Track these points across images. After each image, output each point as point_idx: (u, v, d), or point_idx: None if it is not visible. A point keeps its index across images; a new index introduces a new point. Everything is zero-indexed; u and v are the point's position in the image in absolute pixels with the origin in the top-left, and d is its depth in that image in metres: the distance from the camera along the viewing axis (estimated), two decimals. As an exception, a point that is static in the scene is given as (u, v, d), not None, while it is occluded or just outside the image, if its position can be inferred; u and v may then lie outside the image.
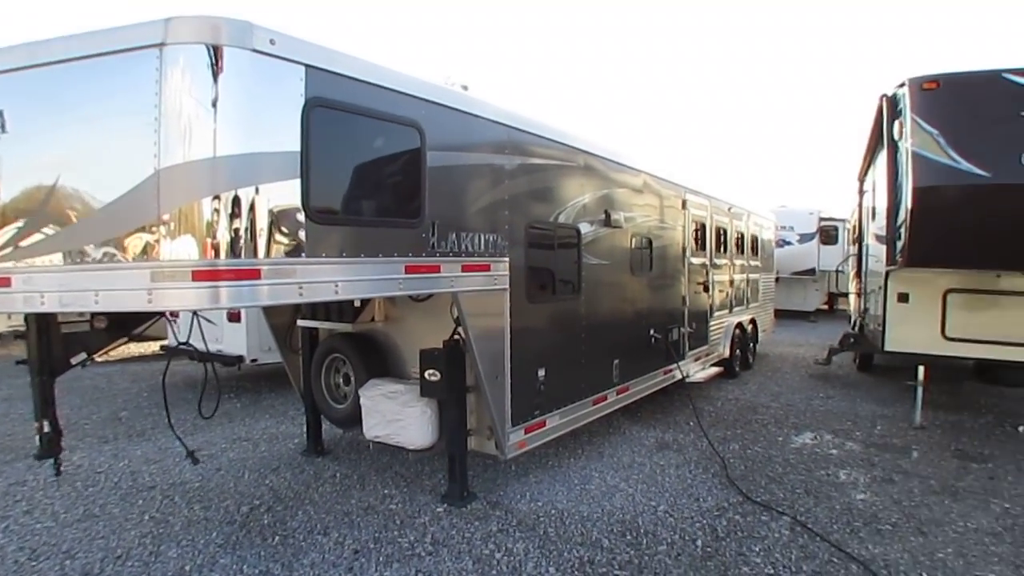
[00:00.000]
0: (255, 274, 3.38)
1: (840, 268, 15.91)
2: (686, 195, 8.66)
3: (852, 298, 13.66)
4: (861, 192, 11.74)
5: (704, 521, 4.96)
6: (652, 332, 7.61)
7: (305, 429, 6.75)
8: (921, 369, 7.68)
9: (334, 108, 3.72)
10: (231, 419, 8.13)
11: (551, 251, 5.79)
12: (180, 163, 3.22)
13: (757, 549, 4.50)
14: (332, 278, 3.73)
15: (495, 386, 4.99)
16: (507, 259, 5.04)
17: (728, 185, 10.57)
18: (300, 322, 6.36)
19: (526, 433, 5.37)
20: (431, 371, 5.06)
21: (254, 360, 9.10)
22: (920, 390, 7.70)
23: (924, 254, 6.11)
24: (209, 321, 9.40)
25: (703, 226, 9.35)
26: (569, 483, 5.76)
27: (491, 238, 4.88)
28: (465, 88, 5.10)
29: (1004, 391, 9.30)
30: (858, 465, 6.31)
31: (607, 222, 6.52)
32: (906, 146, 5.98)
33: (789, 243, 19.95)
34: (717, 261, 9.84)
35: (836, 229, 20.83)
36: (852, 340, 10.93)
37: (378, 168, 4.11)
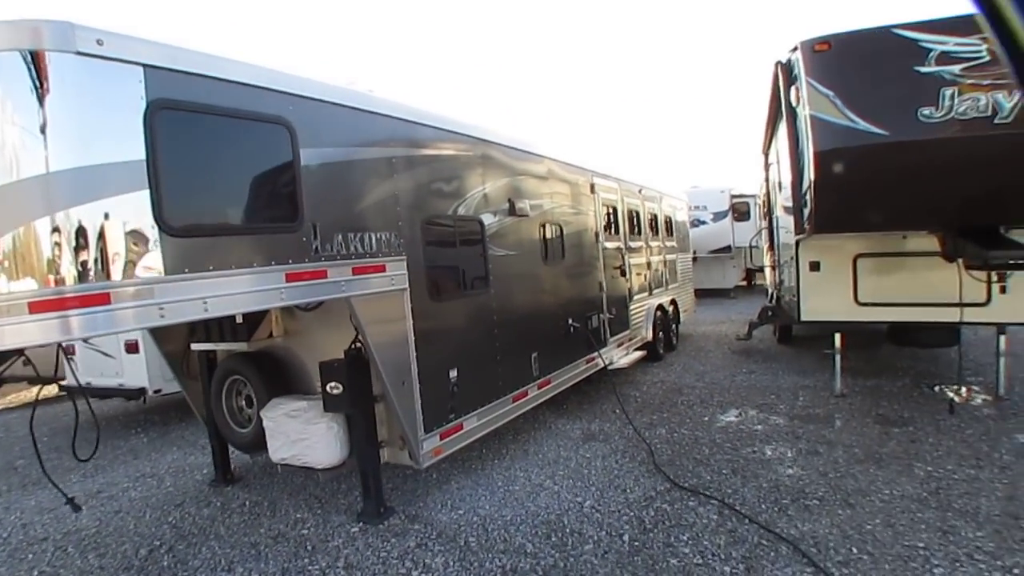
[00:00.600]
0: (105, 299, 3.00)
1: (754, 243, 16.18)
2: (594, 179, 8.53)
3: (767, 272, 13.89)
4: (767, 166, 11.89)
5: (631, 513, 4.79)
6: (571, 321, 7.43)
7: (212, 458, 6.29)
8: (838, 337, 7.76)
9: (183, 109, 3.35)
10: (136, 455, 7.58)
11: (453, 246, 5.51)
12: (8, 183, 2.88)
13: (685, 538, 4.35)
14: (199, 295, 3.35)
15: (402, 393, 4.69)
16: (404, 258, 4.74)
17: (638, 168, 10.53)
18: (194, 345, 5.89)
19: (442, 439, 5.08)
20: (333, 384, 4.71)
21: (158, 391, 8.51)
22: (838, 358, 7.78)
23: (830, 220, 6.09)
24: (107, 355, 8.88)
25: (614, 210, 9.25)
26: (492, 486, 5.51)
27: (384, 237, 4.56)
28: (370, 92, 4.78)
29: (918, 352, 9.55)
30: (783, 439, 6.29)
31: (512, 211, 6.29)
32: (804, 112, 5.95)
33: (704, 222, 20.26)
34: (632, 244, 9.77)
35: (748, 205, 21.25)
36: (770, 313, 11.07)
37: (243, 171, 3.73)
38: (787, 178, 7.89)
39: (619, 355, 8.96)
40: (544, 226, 6.98)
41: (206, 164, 3.51)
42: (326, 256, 4.06)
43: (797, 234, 6.96)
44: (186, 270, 3.29)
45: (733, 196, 21.08)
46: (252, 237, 3.68)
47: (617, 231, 9.28)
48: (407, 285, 4.74)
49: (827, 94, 5.76)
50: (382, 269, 4.51)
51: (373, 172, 4.58)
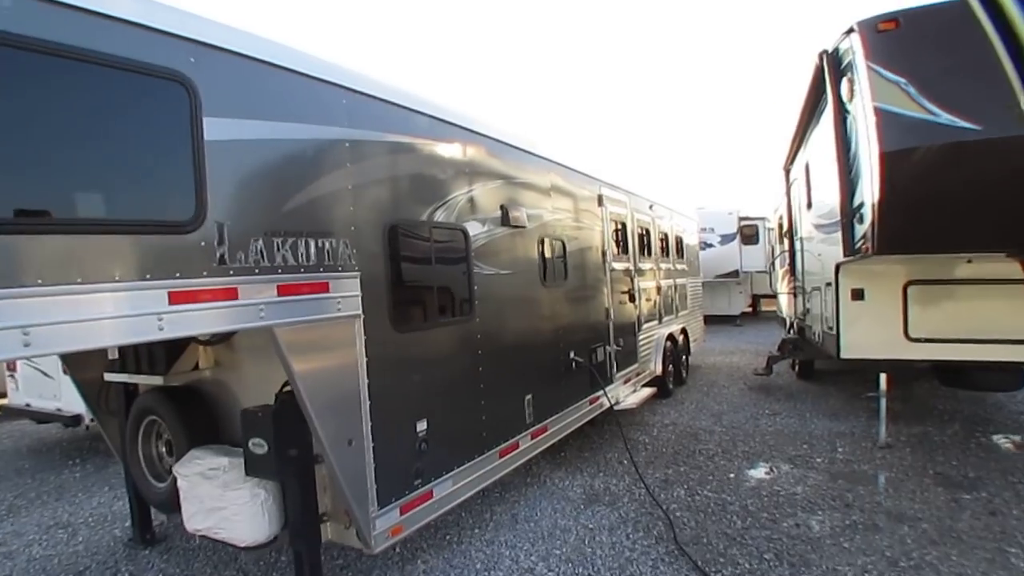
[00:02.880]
0: None
1: (770, 267, 14.92)
2: (602, 189, 7.37)
3: (783, 299, 12.73)
4: (788, 182, 10.81)
5: (653, 624, 3.58)
6: (572, 355, 6.22)
7: (130, 513, 5.12)
8: (883, 377, 6.60)
9: (7, 44, 2.19)
10: (61, 495, 6.47)
11: (427, 261, 4.29)
12: None
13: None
14: (14, 321, 2.17)
15: (348, 456, 3.48)
16: (358, 273, 3.55)
17: (645, 182, 9.37)
18: (107, 375, 4.69)
19: (403, 513, 3.87)
20: (256, 441, 3.52)
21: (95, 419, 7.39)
22: (884, 403, 6.62)
23: (898, 238, 4.89)
24: (45, 375, 7.75)
25: (623, 226, 8.08)
26: (470, 568, 4.29)
27: (329, 245, 3.38)
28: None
29: (959, 393, 8.42)
30: (830, 507, 5.09)
31: (505, 221, 5.11)
32: (862, 105, 4.82)
33: (711, 245, 19.11)
34: (642, 266, 8.60)
35: (756, 228, 20.19)
36: (793, 346, 9.89)
37: (107, 144, 2.55)
38: (825, 192, 6.77)
39: (626, 392, 7.75)
40: (544, 241, 5.81)
41: (45, 127, 2.34)
42: (237, 269, 2.87)
43: (847, 255, 5.78)
44: (-7, 282, 2.12)
45: (741, 218, 20.00)
46: (118, 239, 2.50)
47: (626, 250, 8.10)
48: (360, 310, 3.54)
49: (897, 81, 4.63)
50: (324, 288, 3.32)
51: (317, 157, 3.40)
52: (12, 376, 8.18)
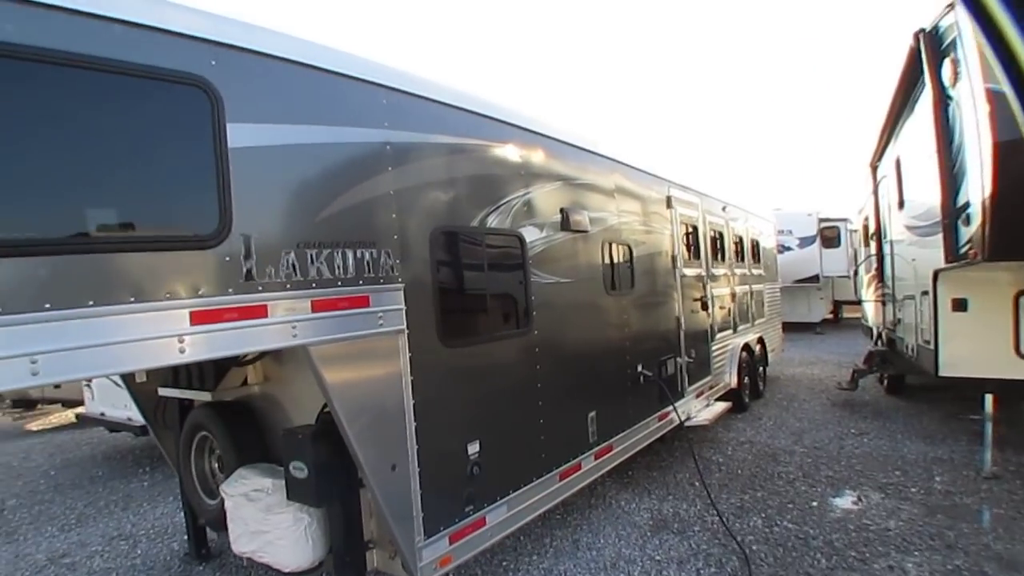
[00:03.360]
0: None
1: (854, 272, 13.92)
2: (671, 190, 6.93)
3: (870, 307, 11.88)
4: (875, 180, 10.06)
5: None
6: (640, 368, 5.82)
7: (185, 527, 5.07)
8: (989, 398, 5.93)
9: (6, 56, 2.02)
10: (126, 505, 6.57)
11: (480, 268, 4.01)
12: None
13: None
14: (21, 349, 2.00)
15: (390, 481, 3.21)
16: (401, 285, 3.29)
17: (717, 182, 8.85)
18: (161, 390, 4.60)
19: (452, 543, 3.58)
20: (296, 464, 3.31)
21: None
22: (989, 427, 5.94)
23: (1017, 240, 4.28)
24: (117, 384, 7.89)
25: (695, 229, 7.61)
26: (526, 603, 3.99)
27: (369, 255, 3.13)
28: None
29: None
30: (929, 547, 4.52)
31: (565, 225, 4.77)
32: (970, 88, 4.26)
33: (789, 248, 18.16)
34: (715, 271, 8.10)
35: (838, 230, 19.13)
36: (881, 359, 9.16)
37: (123, 153, 2.35)
38: (921, 190, 6.16)
39: (698, 407, 7.27)
40: (608, 246, 5.44)
41: (43, 139, 2.16)
42: (267, 284, 2.65)
43: (949, 260, 5.18)
44: (-3, 309, 1.95)
45: (821, 220, 18.99)
46: (131, 256, 2.31)
47: (698, 255, 7.63)
48: (404, 324, 3.28)
49: None
50: (363, 302, 3.07)
51: (355, 161, 3.15)
52: (88, 386, 8.38)
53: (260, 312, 2.62)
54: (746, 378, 8.89)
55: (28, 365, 2.01)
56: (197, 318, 2.41)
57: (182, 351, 2.39)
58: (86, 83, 2.23)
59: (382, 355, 3.20)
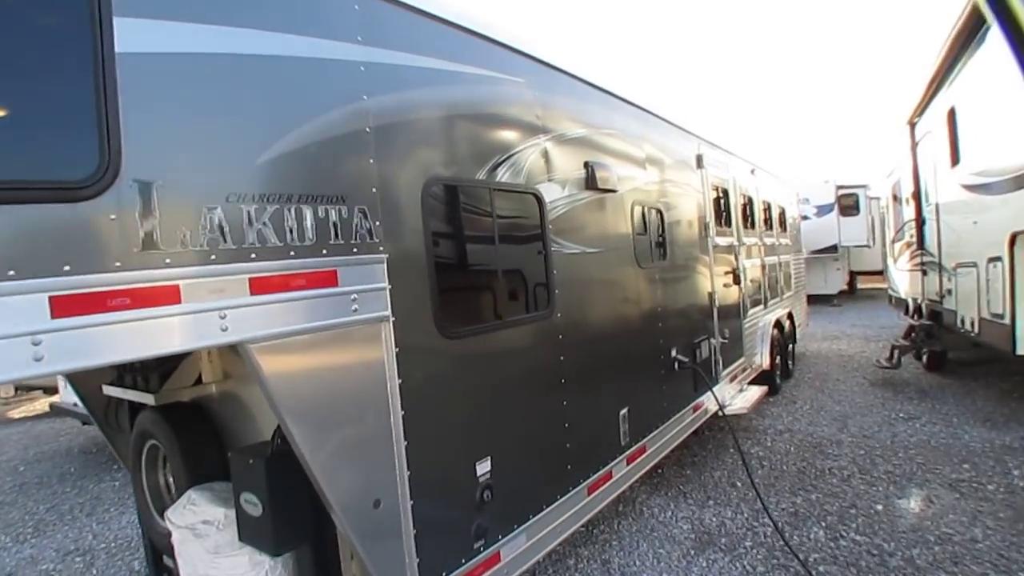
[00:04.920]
0: None
1: (892, 240, 12.87)
2: (701, 148, 6.03)
3: (902, 276, 11.00)
4: (914, 138, 9.13)
5: None
6: (675, 353, 4.96)
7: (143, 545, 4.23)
8: (1081, 381, 5.10)
9: None
10: (92, 510, 5.87)
11: (486, 237, 3.10)
12: None
13: None
14: None
15: (372, 522, 2.37)
16: (384, 255, 2.42)
17: (743, 144, 7.93)
18: (105, 388, 3.77)
19: (458, 590, 2.76)
20: (247, 497, 2.47)
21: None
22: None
23: None
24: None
25: (725, 193, 6.71)
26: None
27: (336, 214, 2.25)
28: None
29: None
30: (1034, 563, 3.72)
31: (591, 183, 3.88)
32: None
33: (806, 217, 17.23)
34: (746, 240, 7.22)
35: (856, 197, 18.20)
36: (926, 334, 8.31)
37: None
38: (989, 141, 5.29)
39: (732, 393, 6.43)
40: (639, 209, 4.56)
41: None
42: (177, 255, 1.78)
43: None
44: None
45: (839, 187, 18.03)
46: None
47: (729, 222, 6.74)
48: (388, 309, 2.41)
49: None
50: (329, 279, 2.20)
51: (314, 83, 2.26)
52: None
53: (169, 296, 1.75)
54: (777, 357, 8.04)
55: None
56: (61, 307, 1.56)
57: (38, 358, 1.53)
58: None
59: (357, 352, 2.32)
